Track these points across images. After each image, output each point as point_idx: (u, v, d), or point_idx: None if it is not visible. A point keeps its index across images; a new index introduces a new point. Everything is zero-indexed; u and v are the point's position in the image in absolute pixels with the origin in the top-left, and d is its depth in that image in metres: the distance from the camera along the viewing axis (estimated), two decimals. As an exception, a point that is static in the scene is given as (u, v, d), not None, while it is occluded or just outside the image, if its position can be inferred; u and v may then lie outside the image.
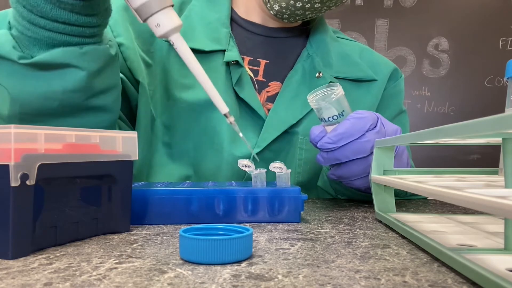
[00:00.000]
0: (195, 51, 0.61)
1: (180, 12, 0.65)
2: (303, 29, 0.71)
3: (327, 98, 0.50)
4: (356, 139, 0.49)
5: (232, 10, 0.68)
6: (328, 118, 0.50)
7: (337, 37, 0.75)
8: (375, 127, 0.50)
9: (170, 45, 0.58)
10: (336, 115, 0.49)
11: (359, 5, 2.07)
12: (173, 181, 0.63)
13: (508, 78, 0.41)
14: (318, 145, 0.51)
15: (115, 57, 0.47)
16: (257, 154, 0.63)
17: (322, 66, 0.68)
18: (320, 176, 0.67)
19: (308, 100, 0.51)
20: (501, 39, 2.01)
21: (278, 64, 0.68)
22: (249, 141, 0.63)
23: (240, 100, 0.63)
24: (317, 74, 0.67)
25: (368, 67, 0.72)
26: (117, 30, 0.59)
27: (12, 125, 0.29)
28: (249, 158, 0.61)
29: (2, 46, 0.41)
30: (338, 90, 0.50)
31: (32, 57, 0.42)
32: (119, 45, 0.59)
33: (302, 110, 0.65)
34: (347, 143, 0.49)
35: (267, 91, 0.66)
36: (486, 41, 2.01)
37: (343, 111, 0.50)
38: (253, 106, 0.63)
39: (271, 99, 0.66)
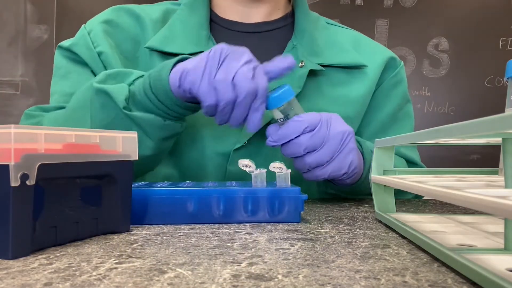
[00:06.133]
0: (175, 55, 0.64)
1: (163, 22, 0.69)
2: (288, 21, 0.72)
3: None
4: (291, 139, 0.52)
5: (212, 12, 0.71)
6: (278, 119, 0.53)
7: (328, 23, 0.75)
8: (312, 130, 0.51)
9: (152, 50, 0.66)
10: (281, 118, 0.53)
11: (359, 5, 2.07)
12: (157, 180, 0.64)
13: (508, 78, 0.41)
14: (266, 143, 0.54)
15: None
16: (239, 149, 0.63)
17: (306, 55, 0.67)
18: None
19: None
20: (501, 39, 2.01)
21: (262, 57, 0.67)
22: (233, 137, 0.64)
23: None
24: (299, 64, 0.66)
25: (363, 55, 0.71)
26: (97, 41, 0.66)
27: (12, 125, 0.29)
28: (229, 154, 0.63)
29: (118, 93, 0.52)
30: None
31: (131, 111, 0.52)
32: (99, 53, 0.65)
33: None
34: (286, 142, 0.52)
35: None
36: (486, 41, 2.01)
37: (288, 115, 0.53)
38: None
39: None
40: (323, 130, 0.52)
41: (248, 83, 0.47)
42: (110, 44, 0.66)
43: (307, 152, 0.52)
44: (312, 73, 0.66)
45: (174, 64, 0.52)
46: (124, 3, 0.74)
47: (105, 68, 0.65)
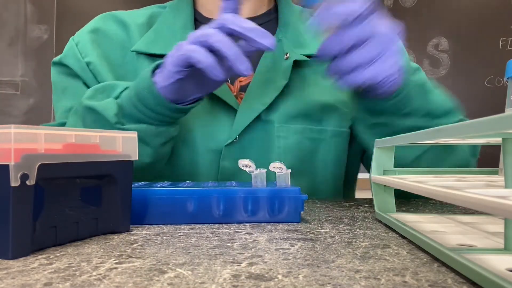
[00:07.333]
0: (161, 56, 0.65)
1: (149, 25, 0.70)
2: (272, 16, 0.72)
3: None
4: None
5: (197, 12, 0.71)
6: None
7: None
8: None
9: (139, 53, 0.67)
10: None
11: (359, 5, 2.07)
12: (150, 179, 0.64)
13: (508, 78, 0.41)
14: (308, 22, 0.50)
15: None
16: (230, 144, 0.63)
17: (291, 47, 0.67)
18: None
19: None
20: (501, 39, 2.01)
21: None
22: (224, 133, 0.64)
23: (212, 95, 0.64)
24: (285, 56, 0.66)
25: None
26: (85, 51, 0.67)
27: (12, 125, 0.29)
28: (221, 151, 0.64)
29: (107, 110, 0.53)
30: None
31: (123, 124, 0.54)
32: (88, 64, 0.67)
33: (271, 95, 0.65)
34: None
35: (240, 81, 0.67)
36: (486, 41, 2.01)
37: None
38: (223, 98, 0.64)
39: (245, 88, 0.67)
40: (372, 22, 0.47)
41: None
42: (98, 53, 0.67)
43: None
44: (298, 65, 0.67)
45: (153, 70, 0.53)
46: (120, 4, 0.75)
47: (95, 78, 0.66)
